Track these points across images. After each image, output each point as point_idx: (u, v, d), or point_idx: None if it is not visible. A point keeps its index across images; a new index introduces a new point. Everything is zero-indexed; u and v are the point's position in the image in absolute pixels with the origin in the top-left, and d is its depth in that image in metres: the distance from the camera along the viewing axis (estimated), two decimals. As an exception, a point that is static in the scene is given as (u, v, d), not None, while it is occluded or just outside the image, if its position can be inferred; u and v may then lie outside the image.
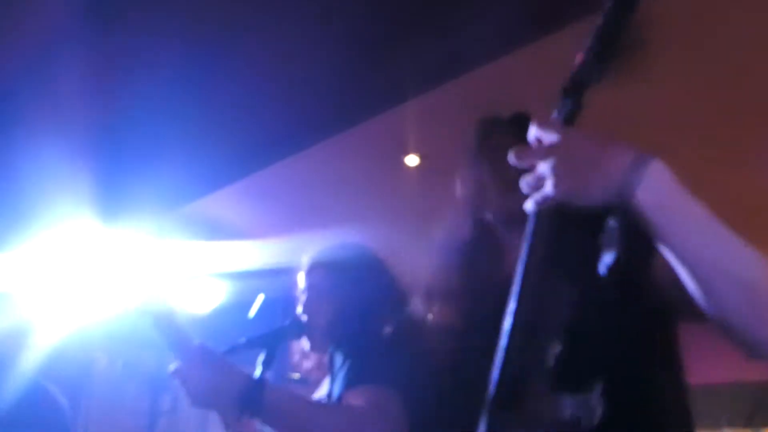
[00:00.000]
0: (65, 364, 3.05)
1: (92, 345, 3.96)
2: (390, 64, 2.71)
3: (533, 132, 0.91)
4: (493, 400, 0.92)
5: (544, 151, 0.87)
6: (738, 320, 0.86)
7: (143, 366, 3.34)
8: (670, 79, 2.68)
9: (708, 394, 3.10)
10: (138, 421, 3.82)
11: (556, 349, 0.94)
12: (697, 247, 0.85)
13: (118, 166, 3.08)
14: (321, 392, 1.46)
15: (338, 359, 1.39)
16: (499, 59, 2.61)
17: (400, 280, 1.52)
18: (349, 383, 1.26)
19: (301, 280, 1.54)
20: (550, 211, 0.89)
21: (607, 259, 0.91)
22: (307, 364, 1.55)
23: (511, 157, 0.90)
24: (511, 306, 0.90)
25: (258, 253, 4.13)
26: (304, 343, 1.51)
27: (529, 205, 0.90)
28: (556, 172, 0.85)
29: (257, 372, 1.34)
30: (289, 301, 1.56)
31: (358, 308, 1.42)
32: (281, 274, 1.66)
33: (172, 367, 1.20)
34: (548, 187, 0.85)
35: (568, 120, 0.91)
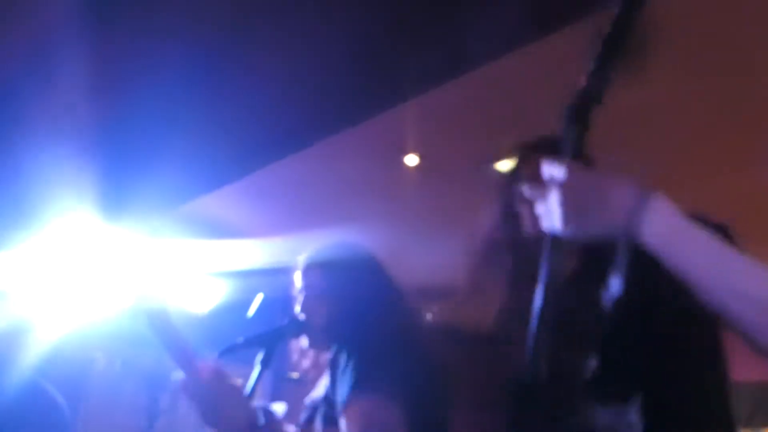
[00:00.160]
0: (63, 364, 3.05)
1: (90, 344, 3.96)
2: (390, 64, 2.71)
3: (544, 169, 0.94)
4: (529, 413, 0.95)
5: (553, 189, 0.92)
6: (756, 333, 0.88)
7: (142, 365, 3.34)
8: (671, 78, 2.68)
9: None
10: (136, 421, 3.82)
11: (591, 361, 0.97)
12: (708, 276, 0.88)
13: (117, 164, 3.08)
14: (318, 392, 1.46)
15: (341, 360, 1.38)
16: (498, 59, 2.60)
17: (396, 280, 1.52)
18: (350, 394, 1.25)
19: (298, 279, 1.53)
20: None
21: (614, 287, 0.94)
22: (306, 363, 1.54)
23: (525, 191, 0.93)
24: (539, 321, 0.94)
25: (257, 252, 4.13)
26: (303, 342, 1.51)
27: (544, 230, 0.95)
28: (564, 210, 0.90)
29: (255, 371, 1.34)
30: (288, 301, 1.56)
31: (356, 307, 1.42)
32: (280, 273, 1.66)
33: (179, 379, 1.20)
34: (557, 223, 0.91)
35: (576, 147, 0.95)
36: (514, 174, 1.30)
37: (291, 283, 1.55)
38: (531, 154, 1.30)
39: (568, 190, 0.90)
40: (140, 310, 1.32)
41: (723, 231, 1.05)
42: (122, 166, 3.14)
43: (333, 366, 1.41)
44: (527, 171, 1.25)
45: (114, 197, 3.19)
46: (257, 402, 1.41)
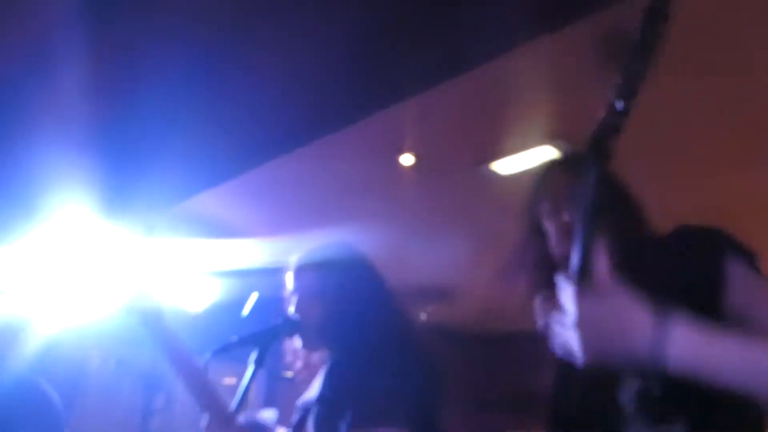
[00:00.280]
0: (58, 362, 3.04)
1: (86, 343, 3.95)
2: (387, 63, 2.71)
3: (560, 297, 0.94)
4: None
5: (569, 319, 0.92)
6: None
7: (137, 364, 3.33)
8: (671, 78, 2.68)
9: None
10: (131, 419, 3.81)
11: (635, 384, 0.99)
12: (737, 378, 0.91)
13: (115, 162, 3.08)
14: (311, 393, 1.45)
15: (336, 361, 1.37)
16: (496, 59, 2.60)
17: (388, 281, 1.51)
18: (354, 421, 1.24)
19: (291, 280, 1.53)
20: None
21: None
22: (298, 363, 1.54)
23: (539, 306, 0.94)
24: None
25: (252, 251, 4.13)
26: (297, 342, 1.50)
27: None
28: (581, 341, 0.90)
29: (249, 370, 1.33)
30: (282, 301, 1.56)
31: (350, 308, 1.41)
32: (275, 273, 1.65)
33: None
34: (577, 352, 0.91)
35: (598, 179, 0.94)
36: (538, 191, 1.28)
37: (284, 283, 1.54)
38: (555, 170, 1.30)
39: (583, 321, 0.90)
40: (135, 309, 1.32)
41: (750, 258, 1.07)
42: (121, 163, 3.14)
43: (327, 367, 1.40)
44: (551, 188, 1.24)
45: (112, 195, 3.18)
46: (248, 410, 1.41)
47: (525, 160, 3.43)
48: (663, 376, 0.90)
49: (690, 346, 0.89)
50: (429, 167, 3.57)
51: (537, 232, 1.25)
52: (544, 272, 1.20)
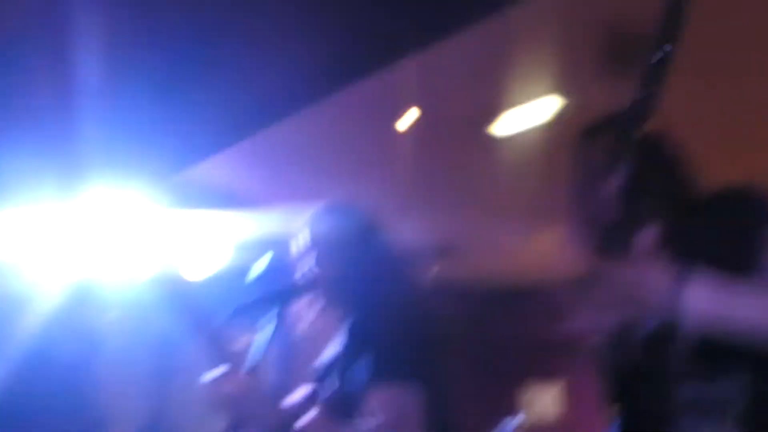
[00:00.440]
0: (76, 328, 3.09)
1: (104, 307, 4.01)
2: (389, 17, 2.68)
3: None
4: (632, 387, 1.02)
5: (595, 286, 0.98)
6: None
7: (154, 327, 3.39)
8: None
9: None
10: (150, 383, 3.88)
11: (693, 337, 1.01)
12: (754, 326, 0.94)
13: (122, 130, 3.09)
14: (329, 351, 1.49)
15: (352, 319, 1.40)
16: (502, 12, 2.56)
17: (398, 238, 1.54)
18: (371, 376, 1.27)
19: (305, 238, 1.55)
20: None
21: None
22: (313, 321, 1.57)
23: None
24: None
25: (260, 219, 4.15)
26: (312, 300, 1.54)
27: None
28: (607, 302, 0.97)
29: (268, 329, 1.38)
30: (296, 262, 1.59)
31: (365, 265, 1.44)
32: (284, 239, 1.68)
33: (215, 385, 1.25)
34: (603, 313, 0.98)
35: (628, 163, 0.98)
36: (582, 154, 1.29)
37: (297, 244, 1.57)
38: (595, 134, 1.29)
39: (607, 286, 0.96)
40: (154, 275, 1.35)
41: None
42: (126, 131, 3.16)
43: (345, 325, 1.43)
44: (592, 152, 1.25)
45: (122, 162, 3.21)
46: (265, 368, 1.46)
47: (526, 116, 3.43)
48: (688, 332, 0.94)
49: (709, 299, 0.93)
50: (428, 126, 3.57)
51: (584, 194, 1.25)
52: (591, 234, 1.22)
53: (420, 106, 3.40)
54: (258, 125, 3.54)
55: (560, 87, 3.19)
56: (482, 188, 4.44)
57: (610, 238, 1.01)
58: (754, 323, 0.93)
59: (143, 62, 2.83)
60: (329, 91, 3.15)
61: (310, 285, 1.48)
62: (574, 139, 1.32)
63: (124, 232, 2.70)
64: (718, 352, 0.99)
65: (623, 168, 0.99)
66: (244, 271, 1.80)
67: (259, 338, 1.39)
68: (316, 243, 1.52)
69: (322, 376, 1.43)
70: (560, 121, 3.45)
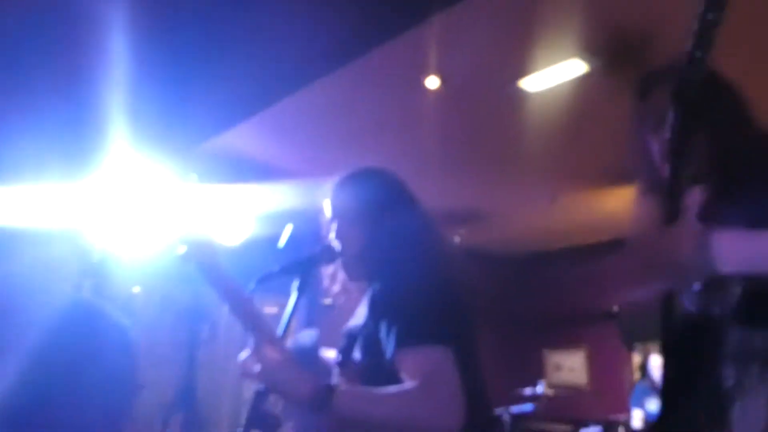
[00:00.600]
0: (102, 300, 3.13)
1: (129, 279, 4.07)
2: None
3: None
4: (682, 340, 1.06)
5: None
6: None
7: (180, 298, 3.44)
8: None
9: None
10: (177, 353, 3.94)
11: (738, 287, 1.03)
12: None
13: (152, 99, 3.10)
14: (356, 320, 1.48)
15: (378, 288, 1.39)
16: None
17: (423, 205, 1.52)
18: (400, 341, 1.27)
19: (328, 207, 1.54)
20: None
21: None
22: (337, 288, 1.57)
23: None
24: None
25: (286, 190, 4.16)
26: (336, 269, 1.53)
27: None
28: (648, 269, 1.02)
29: (292, 299, 1.37)
30: (319, 230, 1.58)
31: (389, 232, 1.42)
32: (309, 208, 1.67)
33: (249, 361, 1.27)
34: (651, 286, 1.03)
35: (681, 127, 1.02)
36: (641, 109, 1.27)
37: (322, 212, 1.56)
38: (654, 85, 1.28)
39: (650, 253, 1.01)
40: (184, 246, 1.35)
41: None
42: (157, 100, 3.17)
43: (369, 293, 1.42)
44: (652, 103, 1.23)
45: (152, 131, 3.23)
46: (291, 336, 1.45)
47: (554, 75, 3.36)
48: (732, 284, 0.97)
49: (737, 245, 0.95)
50: (455, 88, 3.52)
51: (643, 148, 1.24)
52: (652, 187, 1.22)
53: (445, 68, 3.34)
54: (282, 93, 3.52)
55: (587, 48, 3.11)
56: (508, 152, 4.39)
57: (663, 196, 1.03)
58: None
59: (168, 33, 2.82)
60: (353, 56, 3.12)
61: (334, 254, 1.47)
62: (631, 92, 1.30)
63: (151, 204, 2.72)
64: (763, 303, 1.00)
65: (673, 122, 0.97)
66: (270, 240, 1.79)
67: (286, 307, 1.39)
68: (337, 213, 1.51)
69: (348, 345, 1.43)
70: (586, 82, 3.38)
